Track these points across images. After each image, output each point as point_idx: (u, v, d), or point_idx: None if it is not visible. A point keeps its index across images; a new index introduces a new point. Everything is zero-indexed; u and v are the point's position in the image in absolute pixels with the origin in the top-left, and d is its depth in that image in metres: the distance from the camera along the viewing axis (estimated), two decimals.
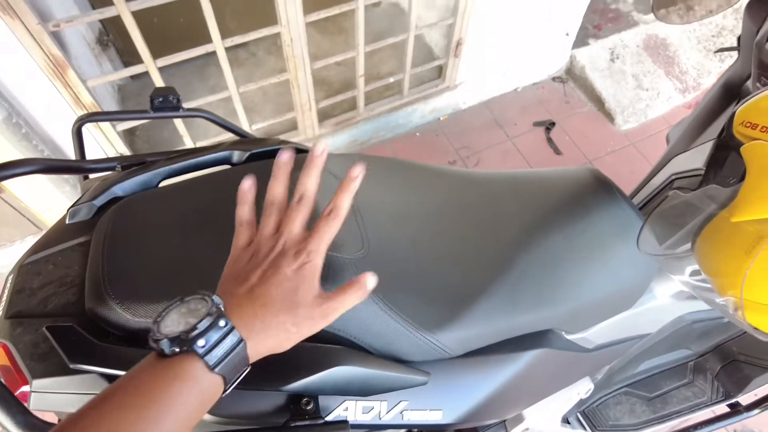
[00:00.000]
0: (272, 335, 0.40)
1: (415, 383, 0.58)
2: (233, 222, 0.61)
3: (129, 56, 1.88)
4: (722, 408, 1.15)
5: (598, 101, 2.12)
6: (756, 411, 1.11)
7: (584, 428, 1.15)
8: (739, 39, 0.94)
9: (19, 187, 1.40)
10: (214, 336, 0.37)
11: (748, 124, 0.58)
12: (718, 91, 1.02)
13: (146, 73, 1.33)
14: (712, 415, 1.16)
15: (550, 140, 1.99)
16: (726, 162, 0.70)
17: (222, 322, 0.38)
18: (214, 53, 1.36)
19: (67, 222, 0.64)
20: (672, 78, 2.18)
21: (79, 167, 0.73)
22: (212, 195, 0.66)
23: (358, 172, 0.46)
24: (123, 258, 0.57)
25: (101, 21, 1.83)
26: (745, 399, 1.14)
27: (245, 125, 1.62)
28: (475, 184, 0.78)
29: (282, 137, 1.59)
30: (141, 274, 0.55)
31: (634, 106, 2.08)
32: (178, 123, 1.53)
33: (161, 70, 1.32)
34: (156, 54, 1.30)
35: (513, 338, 0.68)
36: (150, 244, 0.59)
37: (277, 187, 0.47)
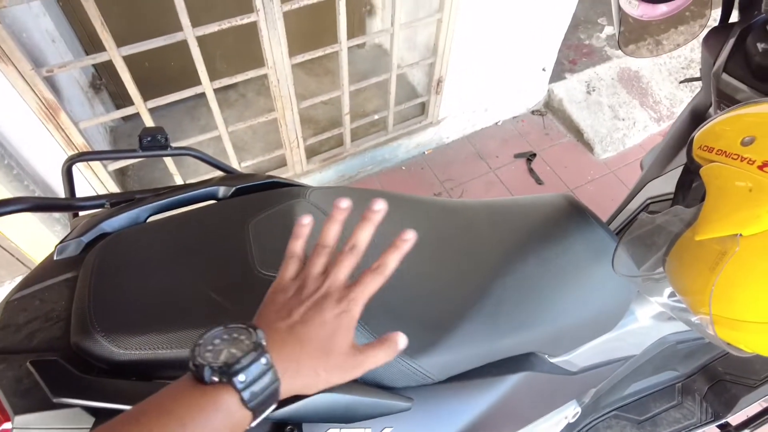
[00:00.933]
0: (303, 377, 0.41)
1: (398, 409, 0.58)
2: (217, 255, 0.63)
3: (121, 99, 1.93)
4: (713, 429, 1.15)
5: (577, 132, 2.18)
6: (746, 431, 1.11)
7: None
8: (701, 70, 0.99)
9: (9, 227, 1.41)
10: (254, 372, 0.37)
11: (705, 148, 0.62)
12: (686, 118, 1.07)
13: (137, 115, 1.37)
14: None
15: (531, 171, 2.04)
16: (692, 185, 0.74)
17: (264, 360, 0.38)
18: (203, 94, 1.41)
19: (54, 258, 0.65)
20: (646, 108, 2.26)
21: (68, 205, 0.74)
22: (198, 229, 0.68)
23: (410, 236, 0.47)
24: (109, 291, 0.57)
25: (94, 66, 1.88)
26: (735, 419, 1.14)
27: (235, 163, 1.66)
28: (454, 213, 0.81)
29: (271, 173, 1.62)
30: (127, 307, 0.56)
31: (611, 135, 2.15)
32: (169, 162, 1.56)
33: (152, 111, 1.36)
34: (147, 96, 1.34)
35: (495, 362, 0.69)
36: (136, 277, 0.60)
37: (332, 229, 0.47)
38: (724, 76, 0.84)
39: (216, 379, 0.36)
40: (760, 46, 0.78)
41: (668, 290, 0.71)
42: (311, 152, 1.85)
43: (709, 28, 0.91)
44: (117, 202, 0.75)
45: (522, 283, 0.70)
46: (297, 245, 0.47)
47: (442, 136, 2.09)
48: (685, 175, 0.74)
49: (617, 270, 0.74)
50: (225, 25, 1.27)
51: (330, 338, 0.41)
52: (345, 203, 0.46)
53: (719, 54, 0.86)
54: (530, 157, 2.09)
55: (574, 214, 0.80)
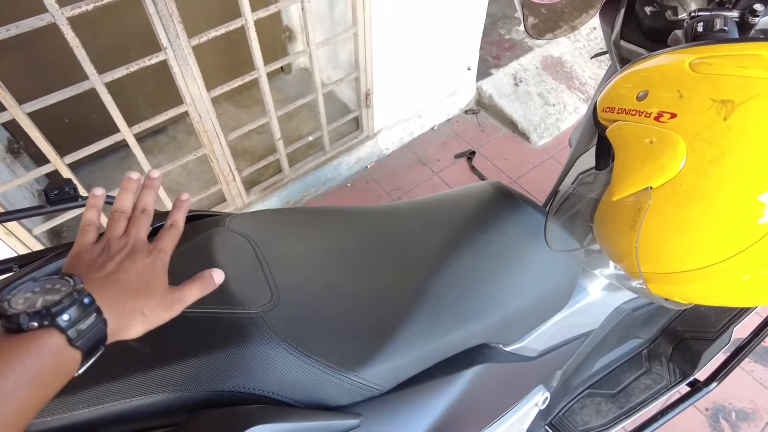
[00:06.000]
0: (128, 317, 0.43)
1: (344, 428, 0.55)
2: None
3: (44, 160, 1.84)
4: (684, 389, 1.16)
5: (511, 124, 2.23)
6: (714, 384, 1.12)
7: None
8: (605, 42, 1.02)
9: None
10: (78, 312, 0.38)
11: (608, 109, 0.62)
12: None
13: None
14: (677, 397, 1.17)
15: (473, 168, 2.06)
16: (610, 149, 0.74)
17: (87, 300, 0.40)
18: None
19: None
20: (574, 90, 2.34)
21: None
22: None
23: (186, 197, 0.56)
24: None
25: (9, 129, 1.80)
26: (702, 374, 1.16)
27: (169, 206, 1.60)
28: (384, 218, 0.79)
29: (213, 210, 1.55)
30: None
31: (545, 122, 2.21)
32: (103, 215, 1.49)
33: (78, 167, 1.30)
34: (69, 153, 1.28)
35: (447, 360, 0.67)
36: None
37: (126, 197, 0.52)
38: (622, 43, 0.87)
39: (35, 323, 0.37)
40: (648, 9, 0.81)
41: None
42: (250, 183, 1.81)
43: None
44: (29, 263, 0.69)
45: (459, 276, 0.69)
46: (93, 214, 0.51)
47: (381, 148, 2.09)
48: (601, 141, 0.74)
49: (552, 246, 0.73)
50: (133, 67, 1.23)
51: (148, 283, 0.46)
52: (135, 175, 0.53)
53: (615, 23, 0.89)
54: (470, 155, 2.11)
55: (501, 199, 0.79)
